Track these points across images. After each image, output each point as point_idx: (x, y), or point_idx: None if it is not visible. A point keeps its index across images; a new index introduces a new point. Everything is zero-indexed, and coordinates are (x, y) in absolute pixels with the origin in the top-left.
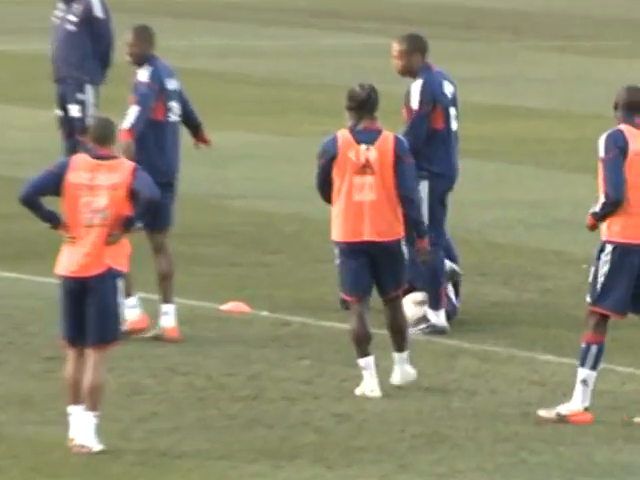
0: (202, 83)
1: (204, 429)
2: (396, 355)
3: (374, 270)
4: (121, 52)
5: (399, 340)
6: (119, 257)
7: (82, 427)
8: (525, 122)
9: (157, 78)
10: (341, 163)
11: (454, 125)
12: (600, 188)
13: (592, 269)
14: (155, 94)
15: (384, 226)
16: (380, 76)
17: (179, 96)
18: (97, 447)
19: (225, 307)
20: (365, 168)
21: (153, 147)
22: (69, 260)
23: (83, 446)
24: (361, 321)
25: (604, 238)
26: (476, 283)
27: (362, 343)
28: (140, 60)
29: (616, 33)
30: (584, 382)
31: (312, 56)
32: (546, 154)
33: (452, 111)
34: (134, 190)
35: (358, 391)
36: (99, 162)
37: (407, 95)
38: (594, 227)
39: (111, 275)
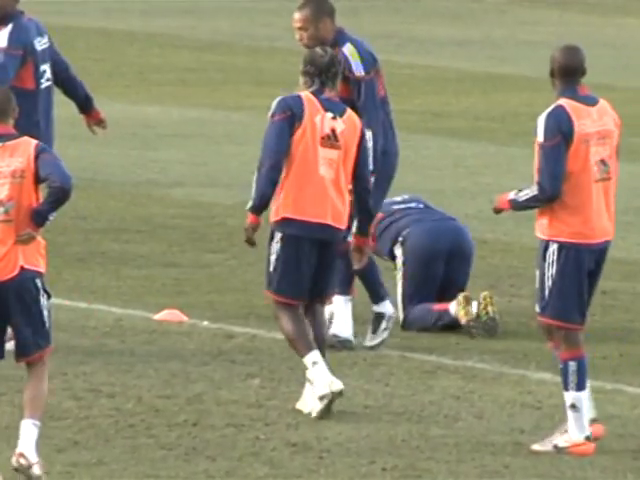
0: (123, 47)
1: (135, 461)
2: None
3: (316, 266)
4: (25, 11)
5: (323, 350)
6: (33, 255)
7: (23, 436)
8: (517, 94)
9: (20, 40)
10: (306, 128)
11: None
12: (534, 176)
13: (537, 273)
14: (18, 60)
15: (342, 211)
16: None
17: (51, 58)
18: (37, 467)
19: (159, 316)
20: (328, 140)
21: (24, 121)
22: None
23: (23, 455)
24: (296, 316)
25: (545, 237)
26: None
27: (303, 335)
28: (0, 18)
29: None
30: (574, 407)
31: (259, 14)
32: None
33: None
34: (40, 177)
35: (304, 405)
36: None
37: (344, 65)
38: (500, 212)
39: (26, 277)
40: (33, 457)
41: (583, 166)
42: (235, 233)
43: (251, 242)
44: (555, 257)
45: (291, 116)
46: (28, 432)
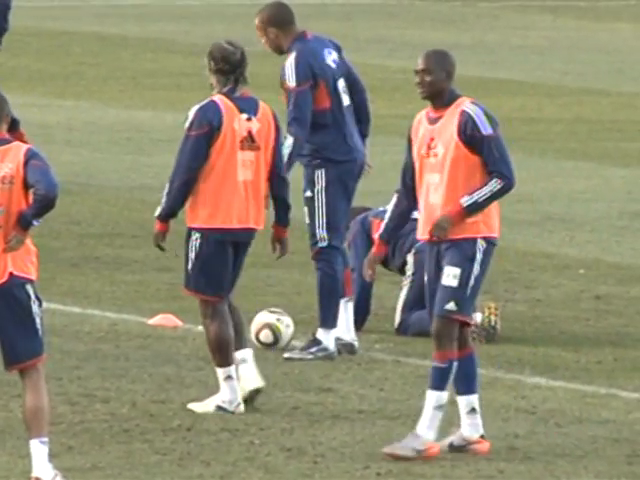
0: (118, 52)
1: (130, 466)
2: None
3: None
4: (20, 15)
5: (242, 338)
6: (23, 262)
7: (34, 458)
8: (510, 99)
9: None
10: (226, 135)
11: (345, 100)
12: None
13: (459, 272)
14: None
15: (260, 212)
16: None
17: None
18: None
19: (153, 321)
20: (245, 142)
21: None
22: None
23: (39, 479)
24: (227, 323)
25: (475, 235)
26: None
27: (229, 348)
28: None
29: None
30: (440, 407)
31: (253, 19)
32: (536, 138)
33: (341, 83)
34: (28, 183)
35: (204, 406)
36: None
37: (282, 74)
38: (443, 232)
39: (15, 284)
40: (49, 475)
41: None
42: None
43: (161, 248)
44: (481, 255)
45: (209, 131)
46: (38, 452)
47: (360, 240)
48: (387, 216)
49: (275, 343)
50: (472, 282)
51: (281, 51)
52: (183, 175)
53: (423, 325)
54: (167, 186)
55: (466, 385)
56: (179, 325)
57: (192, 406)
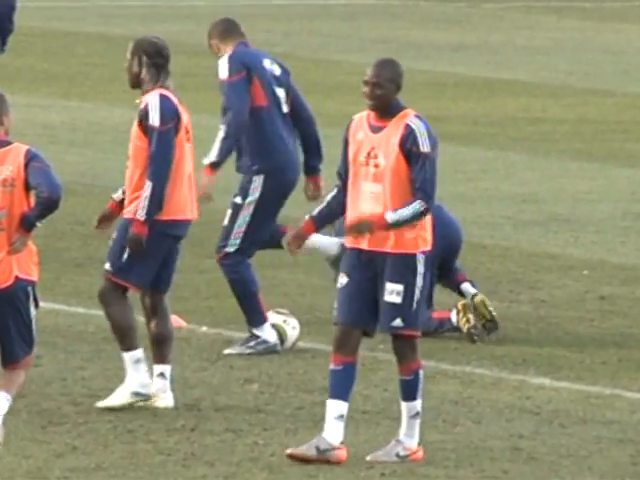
0: (123, 52)
1: (134, 466)
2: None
3: (166, 258)
4: (25, 16)
5: (167, 343)
6: (27, 264)
7: None
8: (515, 99)
9: None
10: (181, 128)
11: (284, 107)
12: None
13: (401, 288)
14: None
15: (190, 203)
16: (340, 44)
17: None
18: None
19: None
20: (187, 134)
21: None
22: None
23: None
24: (131, 308)
25: (413, 250)
26: (456, 294)
27: (134, 331)
28: None
29: None
30: (418, 414)
31: (259, 19)
32: (540, 138)
33: (280, 92)
34: (30, 185)
35: (118, 399)
36: None
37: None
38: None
39: (20, 287)
40: None
41: None
42: None
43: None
44: (423, 267)
45: (176, 124)
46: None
47: None
48: (323, 204)
49: (280, 344)
50: (417, 296)
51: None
52: (167, 172)
53: (426, 327)
54: (149, 188)
55: (340, 391)
56: (183, 326)
57: (103, 404)
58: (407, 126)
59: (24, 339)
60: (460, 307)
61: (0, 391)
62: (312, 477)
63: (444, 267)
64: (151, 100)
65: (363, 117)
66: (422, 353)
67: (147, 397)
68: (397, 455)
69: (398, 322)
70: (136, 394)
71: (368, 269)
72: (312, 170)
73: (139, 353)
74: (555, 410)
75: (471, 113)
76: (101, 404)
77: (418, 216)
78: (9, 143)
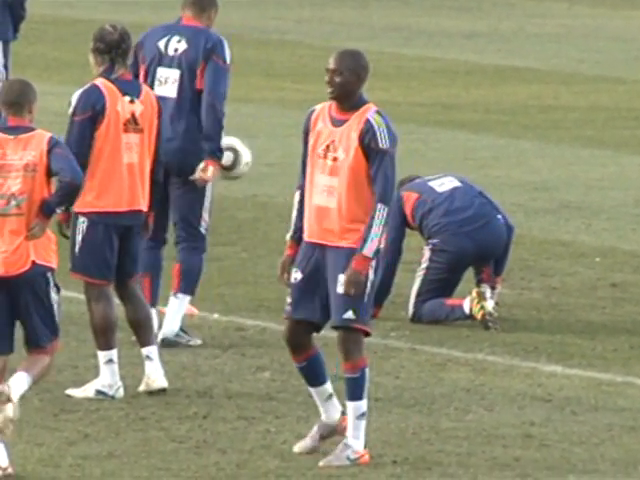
0: (133, 40)
1: (146, 454)
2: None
3: (122, 247)
4: (36, 4)
5: (147, 330)
6: (44, 250)
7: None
8: (526, 87)
9: None
10: (110, 118)
11: (161, 90)
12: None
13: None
14: None
15: (145, 194)
16: (352, 31)
17: None
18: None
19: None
20: (129, 125)
21: None
22: None
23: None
24: (112, 307)
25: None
26: (468, 281)
27: (113, 332)
28: None
29: None
30: (364, 415)
31: (270, 6)
32: (552, 126)
33: (165, 72)
34: (52, 171)
35: (83, 392)
36: (8, 136)
37: None
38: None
39: (37, 272)
40: (15, 394)
41: None
42: (245, 226)
43: (65, 236)
44: (375, 262)
45: (92, 115)
46: (18, 379)
47: (392, 219)
48: (294, 214)
49: (231, 168)
50: (369, 289)
51: None
52: (78, 161)
53: (436, 315)
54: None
55: (316, 378)
56: (195, 313)
57: (70, 392)
58: (367, 121)
59: (46, 325)
60: (475, 294)
61: (21, 371)
62: (324, 466)
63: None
64: (78, 91)
65: (325, 107)
66: (434, 340)
67: (110, 397)
68: (348, 458)
69: (350, 314)
70: (99, 392)
71: (322, 264)
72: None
73: (112, 354)
74: (567, 397)
75: (482, 101)
76: (68, 391)
77: (387, 222)
78: (32, 129)
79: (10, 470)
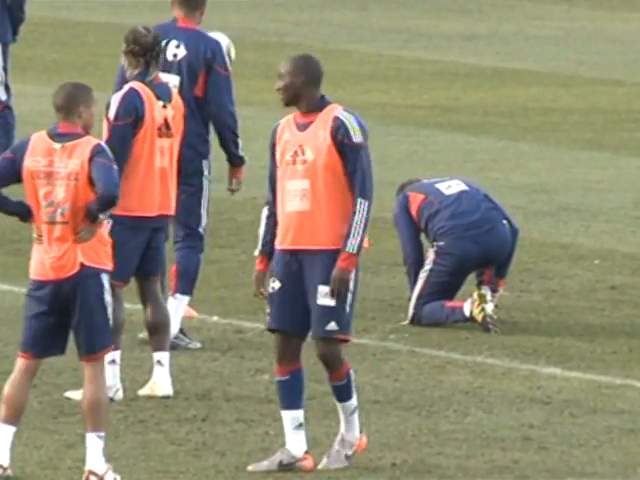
0: None
1: (145, 456)
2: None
3: (147, 249)
4: (35, 6)
5: (161, 331)
6: (95, 252)
7: (88, 451)
8: (525, 89)
9: None
10: (148, 124)
11: None
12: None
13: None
14: None
15: (174, 197)
16: (351, 34)
17: None
18: (109, 475)
19: None
20: (162, 130)
21: None
22: (37, 262)
23: (92, 472)
24: (121, 307)
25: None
26: (467, 283)
27: (118, 332)
28: None
29: None
30: (356, 410)
31: (270, 9)
32: (551, 128)
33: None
34: (92, 179)
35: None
36: (56, 143)
37: None
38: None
39: (88, 274)
40: (102, 468)
41: None
42: (244, 228)
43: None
44: (354, 272)
45: (135, 120)
46: (93, 446)
47: (402, 217)
48: (262, 229)
49: None
50: (349, 298)
51: None
52: (119, 166)
53: (436, 316)
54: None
55: (292, 400)
56: (194, 315)
57: (69, 394)
58: (336, 118)
59: (99, 329)
60: (476, 296)
61: (89, 433)
62: (323, 469)
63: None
64: (117, 95)
65: (290, 119)
66: (433, 343)
67: (110, 399)
68: (346, 457)
69: (332, 326)
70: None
71: (300, 272)
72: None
73: (115, 355)
74: (566, 400)
75: (481, 103)
76: (68, 393)
77: (368, 217)
78: (80, 136)
79: (9, 472)
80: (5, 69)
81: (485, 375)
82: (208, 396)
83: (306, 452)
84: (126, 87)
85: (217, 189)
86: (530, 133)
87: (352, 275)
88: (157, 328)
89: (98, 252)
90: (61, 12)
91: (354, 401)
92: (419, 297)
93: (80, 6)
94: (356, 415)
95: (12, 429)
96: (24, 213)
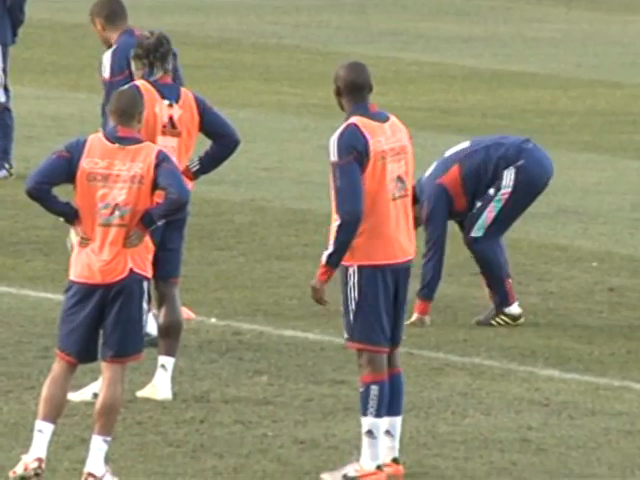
0: None
1: (143, 458)
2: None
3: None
4: (33, 8)
5: (171, 344)
6: (142, 259)
7: (91, 453)
8: (523, 91)
9: None
10: (148, 120)
11: None
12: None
13: (342, 298)
14: None
15: None
16: (349, 36)
17: None
18: (108, 477)
19: None
20: (167, 128)
21: None
22: (83, 265)
23: (92, 474)
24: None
25: (344, 262)
26: (466, 284)
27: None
28: None
29: None
30: (370, 434)
31: (268, 11)
32: (549, 130)
33: None
34: (159, 185)
35: (80, 395)
36: (117, 146)
37: (99, 66)
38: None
39: (134, 280)
40: (100, 471)
41: (380, 184)
42: (243, 230)
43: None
44: (356, 280)
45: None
46: (96, 448)
47: (441, 209)
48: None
49: None
50: (353, 307)
51: (109, 44)
52: None
53: (494, 266)
54: None
55: (392, 405)
56: (192, 317)
57: (70, 396)
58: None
59: (133, 334)
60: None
61: (95, 435)
62: (321, 469)
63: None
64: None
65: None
66: (430, 345)
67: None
68: (344, 476)
69: (345, 333)
70: (96, 395)
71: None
72: None
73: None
74: (564, 402)
75: (480, 105)
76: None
77: (340, 232)
78: (141, 141)
79: (43, 466)
80: (5, 70)
81: (483, 377)
82: (206, 398)
83: (379, 467)
84: (129, 85)
85: (215, 190)
86: (528, 135)
87: (326, 284)
88: (169, 332)
89: (144, 258)
90: (59, 14)
91: (366, 423)
92: (491, 224)
93: (78, 8)
94: (367, 441)
95: (52, 427)
96: (71, 215)
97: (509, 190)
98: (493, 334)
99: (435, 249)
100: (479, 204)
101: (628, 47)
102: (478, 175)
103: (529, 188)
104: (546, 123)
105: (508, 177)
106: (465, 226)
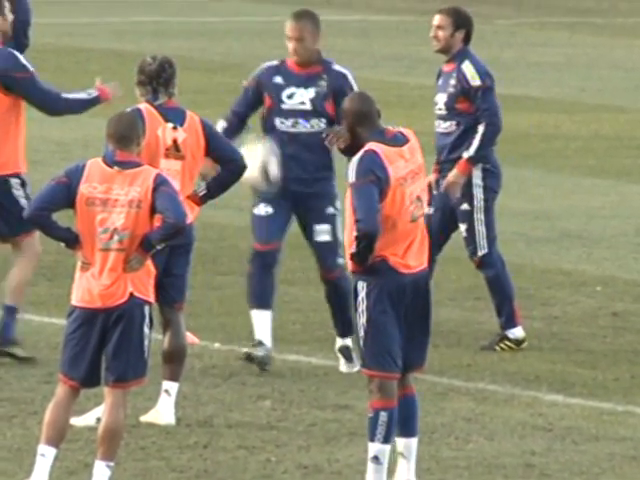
0: (134, 69)
1: None
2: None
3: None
4: (37, 32)
5: (175, 369)
6: (142, 283)
7: (94, 479)
8: (527, 116)
9: None
10: (150, 143)
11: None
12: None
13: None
14: None
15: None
16: (353, 60)
17: None
18: None
19: None
20: (170, 151)
21: None
22: (84, 289)
23: None
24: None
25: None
26: (470, 309)
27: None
28: None
29: (635, 8)
30: (376, 459)
31: (273, 35)
32: (553, 155)
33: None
34: (156, 209)
35: (84, 420)
36: (116, 170)
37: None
38: (359, 268)
39: (135, 304)
40: None
41: (400, 208)
42: (247, 255)
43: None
44: (364, 306)
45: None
46: (100, 475)
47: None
48: None
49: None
50: (362, 333)
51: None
52: None
53: (506, 287)
54: None
55: (403, 427)
56: (196, 342)
57: (73, 421)
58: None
59: (135, 359)
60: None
61: (98, 460)
62: None
63: None
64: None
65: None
66: (434, 370)
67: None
68: None
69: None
70: (99, 420)
71: None
72: None
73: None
74: (568, 427)
75: None
76: (72, 420)
77: (359, 246)
78: (140, 164)
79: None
80: None
81: (487, 402)
82: (210, 423)
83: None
84: (133, 107)
85: (219, 215)
86: (532, 159)
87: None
88: (173, 357)
89: (145, 283)
90: (63, 39)
91: (372, 449)
92: (488, 235)
93: (82, 33)
94: (372, 467)
95: (54, 451)
96: (72, 240)
97: (481, 193)
98: (497, 359)
99: None
100: (464, 227)
101: (632, 72)
102: None
103: (497, 183)
104: (550, 147)
105: (477, 181)
106: (468, 252)
